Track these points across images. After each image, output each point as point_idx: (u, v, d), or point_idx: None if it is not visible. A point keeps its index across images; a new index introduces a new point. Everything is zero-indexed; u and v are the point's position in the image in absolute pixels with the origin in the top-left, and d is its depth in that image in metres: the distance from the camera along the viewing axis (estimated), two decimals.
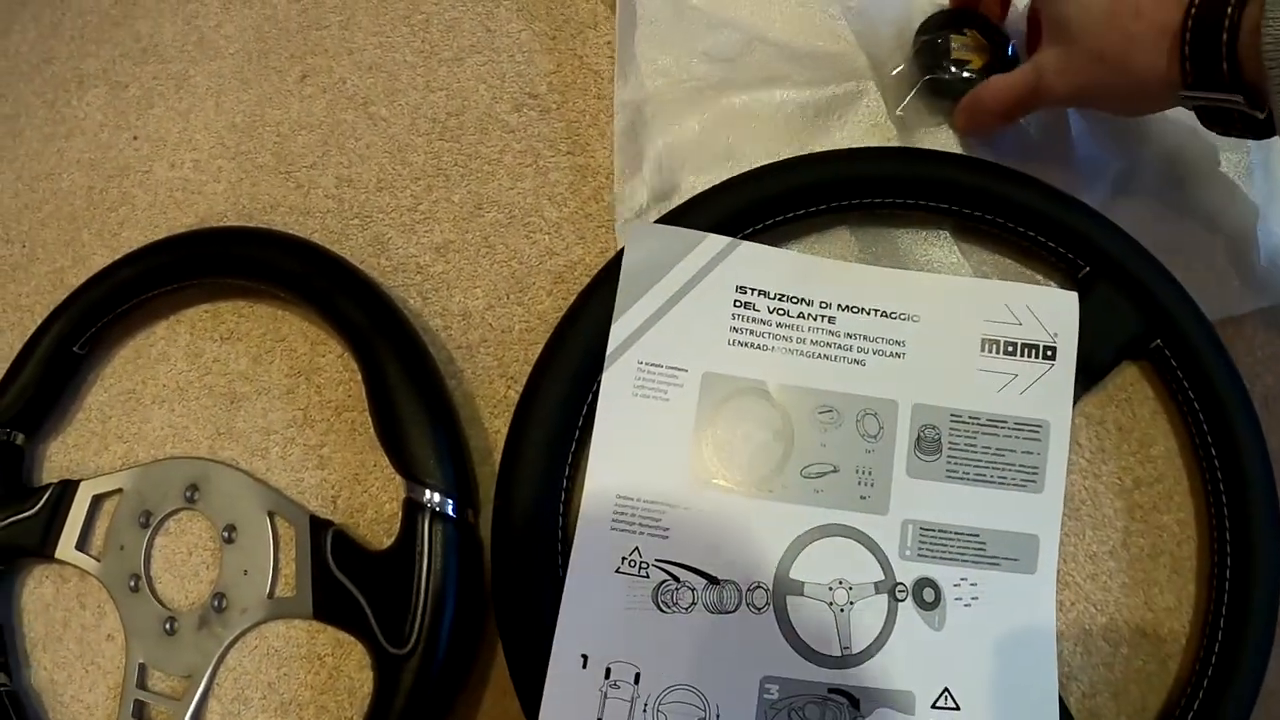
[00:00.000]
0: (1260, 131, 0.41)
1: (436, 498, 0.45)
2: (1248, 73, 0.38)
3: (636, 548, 0.44)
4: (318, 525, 0.47)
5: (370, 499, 0.48)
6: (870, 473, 0.45)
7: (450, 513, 0.45)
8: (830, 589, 0.44)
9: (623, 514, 0.44)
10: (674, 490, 0.44)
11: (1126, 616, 0.47)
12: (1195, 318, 0.47)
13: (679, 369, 0.45)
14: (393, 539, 0.45)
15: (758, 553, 0.44)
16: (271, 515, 0.48)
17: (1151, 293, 0.47)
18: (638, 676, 0.42)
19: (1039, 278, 0.50)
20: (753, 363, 0.46)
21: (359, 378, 0.47)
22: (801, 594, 0.44)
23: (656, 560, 0.43)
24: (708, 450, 0.45)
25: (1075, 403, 0.47)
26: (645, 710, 0.42)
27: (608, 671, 0.42)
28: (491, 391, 0.49)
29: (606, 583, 0.43)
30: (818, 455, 0.45)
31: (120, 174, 0.56)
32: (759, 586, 0.44)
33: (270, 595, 0.48)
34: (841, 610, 0.44)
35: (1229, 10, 0.38)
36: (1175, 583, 0.47)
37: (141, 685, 0.48)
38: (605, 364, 0.45)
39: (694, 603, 0.43)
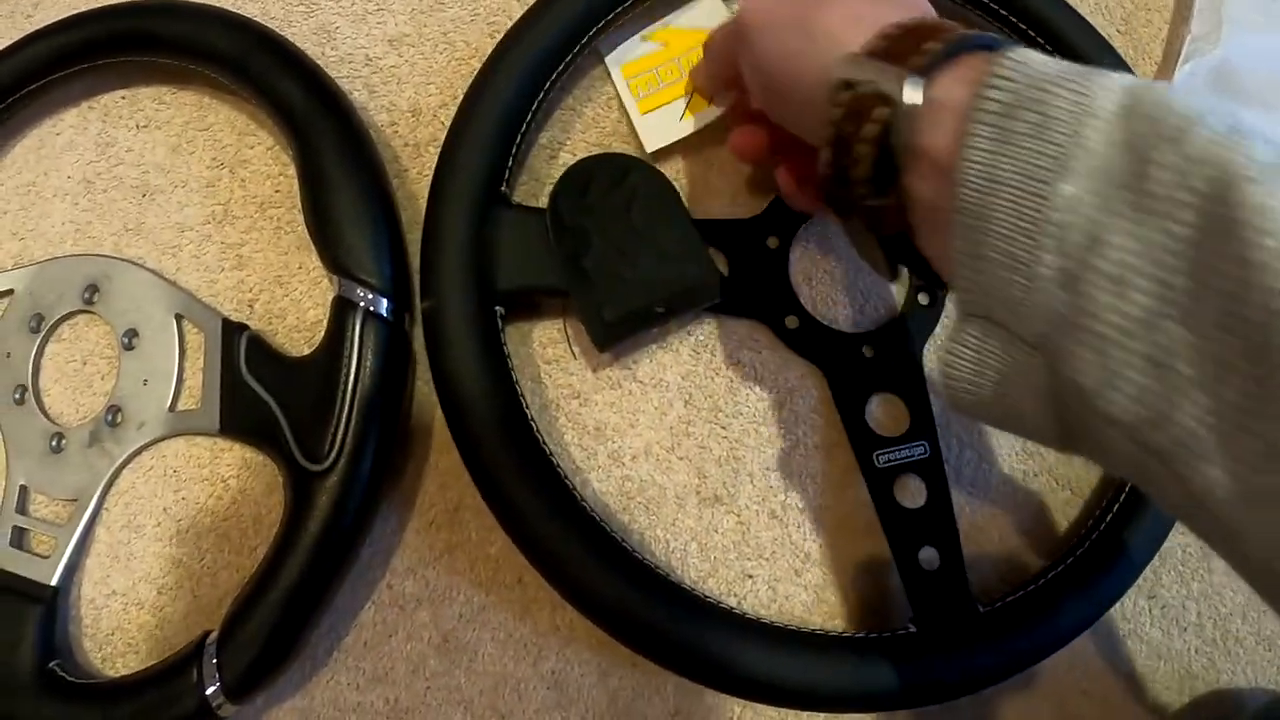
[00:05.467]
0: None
1: (370, 296, 0.40)
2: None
3: None
4: (230, 329, 0.42)
5: (292, 304, 0.43)
6: None
7: (385, 314, 0.40)
8: None
9: None
10: None
11: None
12: None
13: None
14: (315, 346, 0.40)
15: None
16: (179, 319, 0.43)
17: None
18: None
19: None
20: None
21: (290, 171, 0.42)
22: None
23: None
24: None
25: None
26: None
27: None
28: None
29: None
30: None
31: None
32: None
33: (172, 408, 0.42)
34: None
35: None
36: None
37: (21, 510, 0.42)
38: None
39: None
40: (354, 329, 0.39)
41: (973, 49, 0.27)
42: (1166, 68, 0.50)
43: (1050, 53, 0.44)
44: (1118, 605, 0.44)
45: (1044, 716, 0.43)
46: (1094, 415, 0.24)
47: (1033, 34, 0.46)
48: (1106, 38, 0.48)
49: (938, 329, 0.43)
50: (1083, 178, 0.23)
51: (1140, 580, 0.44)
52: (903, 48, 0.28)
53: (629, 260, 0.40)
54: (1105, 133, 0.23)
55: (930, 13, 0.32)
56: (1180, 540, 0.45)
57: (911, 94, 0.27)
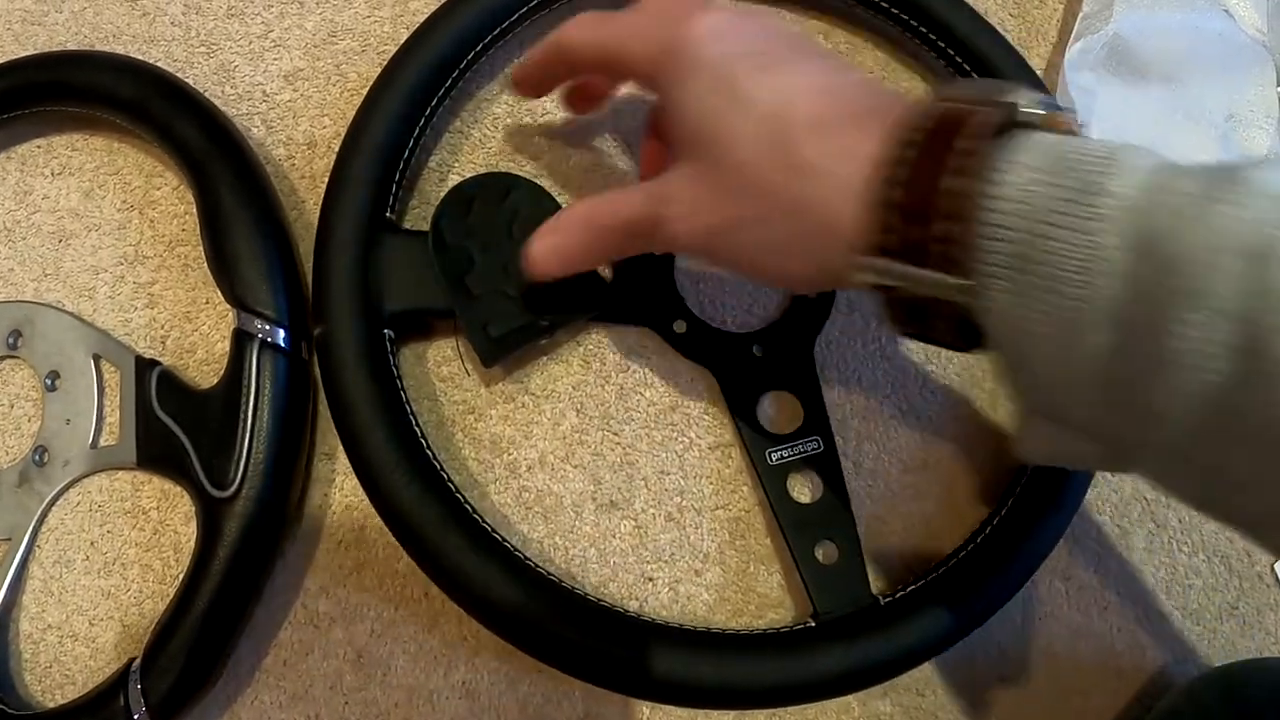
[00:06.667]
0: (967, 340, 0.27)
1: (267, 327, 0.41)
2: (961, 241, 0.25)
3: None
4: (143, 366, 0.43)
5: (201, 338, 0.45)
6: None
7: (282, 344, 0.41)
8: None
9: None
10: None
11: None
12: None
13: None
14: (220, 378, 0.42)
15: None
16: (97, 359, 0.44)
17: None
18: None
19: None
20: None
21: (195, 209, 0.43)
22: None
23: None
24: None
25: None
26: None
27: None
28: None
29: None
30: None
31: None
32: None
33: (94, 445, 0.44)
34: None
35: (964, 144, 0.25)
36: None
37: None
38: None
39: None
40: (252, 359, 0.41)
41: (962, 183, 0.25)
42: (1060, 47, 0.50)
43: (945, 50, 0.45)
44: (1031, 589, 0.44)
45: (963, 704, 0.43)
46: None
47: (924, 30, 0.46)
48: (999, 24, 0.48)
49: (828, 323, 0.44)
50: (1106, 330, 0.22)
51: (1054, 563, 0.45)
52: (920, 236, 0.25)
53: (511, 277, 0.41)
54: (1117, 289, 0.22)
55: (887, 101, 0.28)
56: (1095, 519, 0.45)
57: (963, 291, 0.25)
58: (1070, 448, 0.27)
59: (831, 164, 0.27)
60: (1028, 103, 0.26)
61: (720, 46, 0.30)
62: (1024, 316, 0.24)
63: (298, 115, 0.47)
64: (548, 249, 0.36)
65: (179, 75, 0.46)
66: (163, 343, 0.45)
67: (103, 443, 0.44)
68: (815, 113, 0.28)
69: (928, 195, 0.25)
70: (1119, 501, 0.46)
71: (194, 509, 0.41)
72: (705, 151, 0.30)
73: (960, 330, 0.27)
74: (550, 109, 0.46)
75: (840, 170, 0.27)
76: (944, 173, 0.25)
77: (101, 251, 0.46)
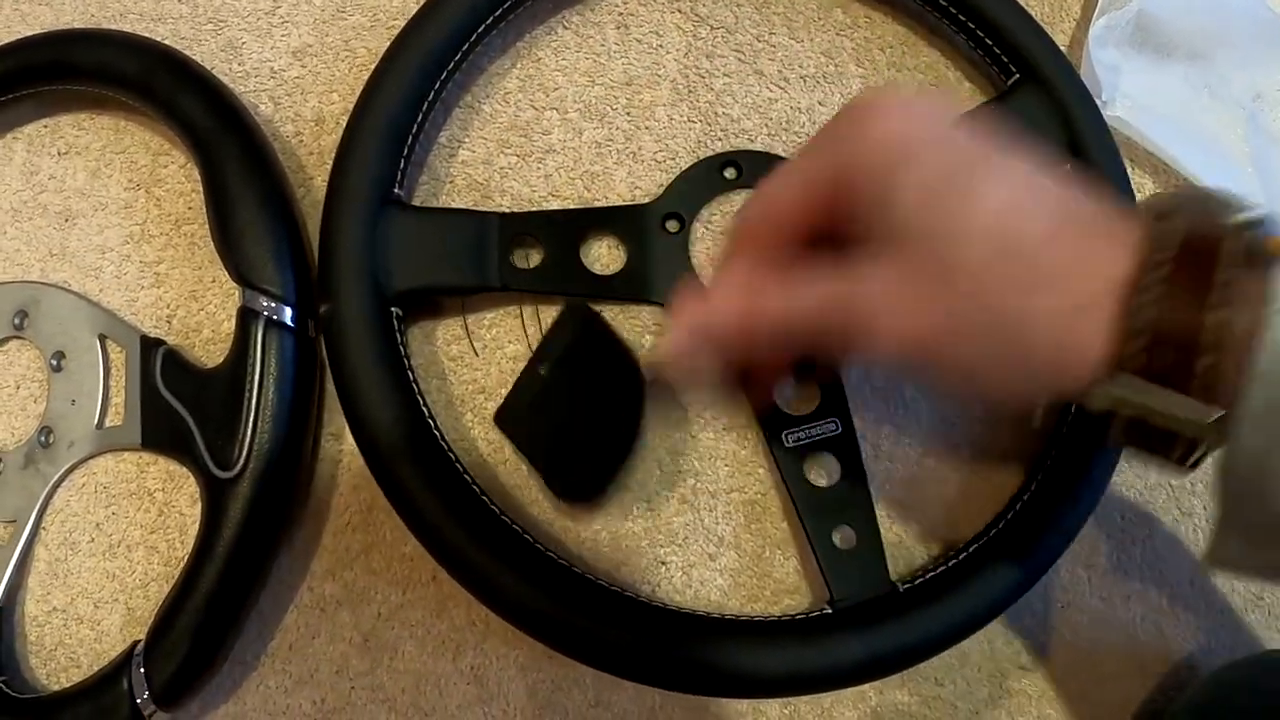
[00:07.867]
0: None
1: (273, 305, 0.40)
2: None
3: None
4: (148, 345, 0.42)
5: (208, 317, 0.44)
6: None
7: (288, 322, 0.40)
8: None
9: None
10: None
11: None
12: (1112, 153, 0.44)
13: None
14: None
15: None
16: (102, 339, 0.44)
17: (1074, 116, 0.44)
18: None
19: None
20: None
21: (201, 187, 0.43)
22: None
23: None
24: None
25: None
26: None
27: None
28: None
29: None
30: None
31: None
32: None
33: (99, 426, 0.43)
34: None
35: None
36: None
37: None
38: None
39: None
40: (257, 337, 0.40)
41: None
42: (1084, 23, 0.49)
43: (965, 24, 0.44)
44: (1054, 576, 0.43)
45: (982, 694, 0.42)
46: None
47: (944, 3, 0.45)
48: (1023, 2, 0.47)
49: None
50: None
51: (1076, 549, 0.43)
52: (1177, 362, 0.24)
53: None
54: None
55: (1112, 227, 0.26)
56: (1118, 506, 0.44)
57: (1215, 426, 0.24)
58: (1265, 561, 0.27)
59: (1070, 279, 0.26)
60: (1266, 226, 0.25)
61: (935, 134, 0.28)
62: (1270, 459, 0.23)
63: (306, 92, 0.46)
64: (685, 333, 0.32)
65: (186, 53, 0.45)
66: (169, 322, 0.44)
67: (108, 423, 0.43)
68: (1048, 223, 0.26)
69: (1191, 324, 0.24)
70: (1143, 488, 0.45)
71: (199, 490, 0.40)
72: (922, 246, 0.27)
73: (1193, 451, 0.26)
74: (562, 84, 0.45)
75: (1080, 286, 0.26)
76: (1209, 305, 0.24)
77: (108, 231, 0.45)
